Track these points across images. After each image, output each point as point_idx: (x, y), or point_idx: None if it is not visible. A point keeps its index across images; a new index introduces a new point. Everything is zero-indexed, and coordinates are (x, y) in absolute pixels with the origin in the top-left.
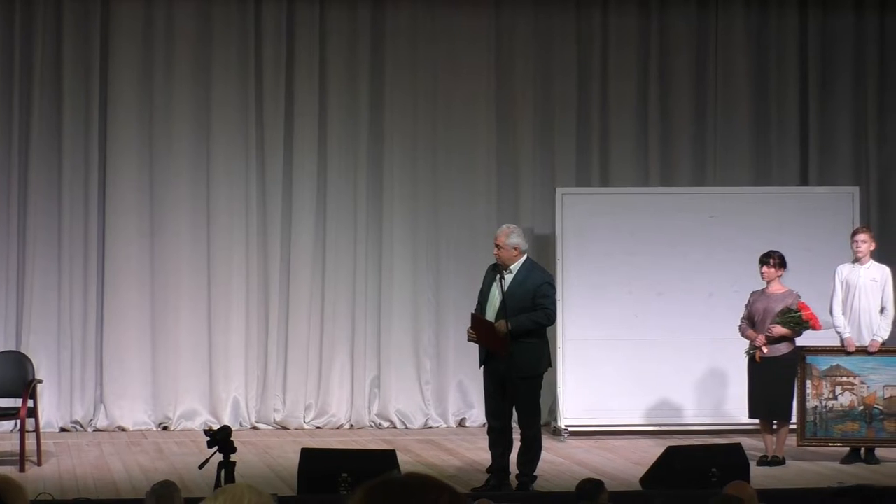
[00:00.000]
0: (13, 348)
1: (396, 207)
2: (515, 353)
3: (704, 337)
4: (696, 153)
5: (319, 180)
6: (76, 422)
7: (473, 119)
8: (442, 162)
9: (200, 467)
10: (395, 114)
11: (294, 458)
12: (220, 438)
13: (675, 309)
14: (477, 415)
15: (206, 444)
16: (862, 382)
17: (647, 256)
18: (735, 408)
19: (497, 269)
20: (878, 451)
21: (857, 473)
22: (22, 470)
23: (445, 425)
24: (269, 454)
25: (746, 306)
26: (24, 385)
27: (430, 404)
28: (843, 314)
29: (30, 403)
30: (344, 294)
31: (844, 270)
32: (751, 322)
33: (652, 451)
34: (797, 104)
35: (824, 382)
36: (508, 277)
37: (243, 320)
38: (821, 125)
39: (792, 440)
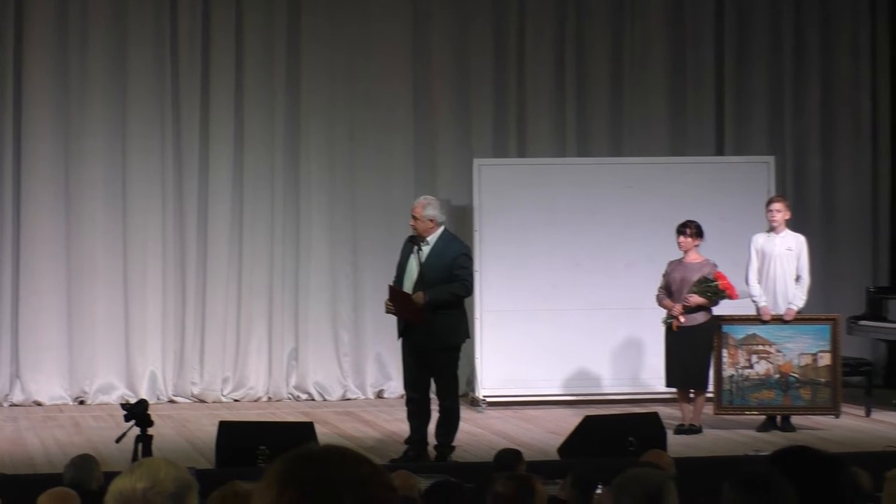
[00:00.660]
0: None
1: (314, 180)
2: (433, 325)
3: (622, 307)
4: (613, 124)
5: (236, 155)
6: None
7: (389, 92)
8: (359, 135)
9: (117, 441)
10: (312, 89)
11: (212, 432)
12: (137, 412)
13: (593, 279)
14: (395, 386)
15: (122, 417)
16: (778, 351)
17: (564, 227)
18: (652, 377)
19: (414, 241)
20: (794, 419)
21: (774, 441)
22: None
23: (364, 397)
24: (187, 427)
25: (663, 276)
26: None
27: (349, 376)
28: (758, 283)
29: None
30: (261, 266)
31: (760, 240)
32: (668, 291)
33: (569, 420)
34: (713, 74)
35: (740, 351)
36: (426, 249)
37: (160, 293)
38: (737, 95)
39: (709, 409)
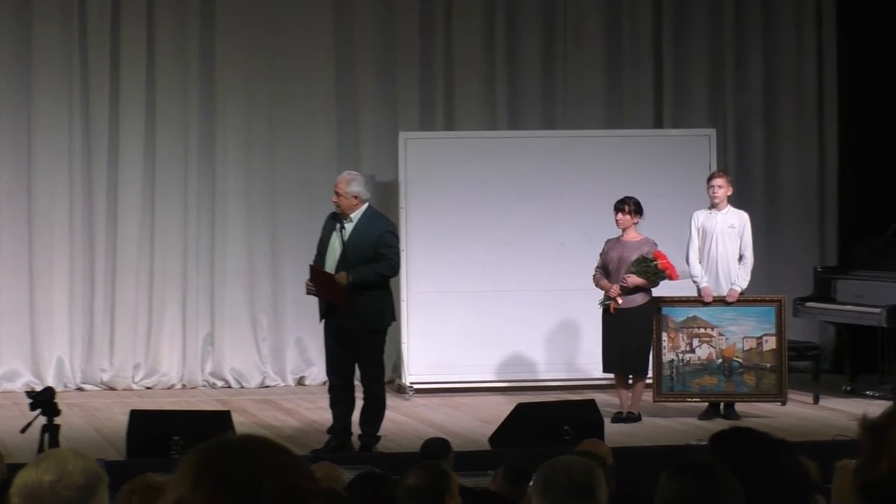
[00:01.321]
0: None
1: (230, 154)
2: (357, 307)
3: (556, 288)
4: (546, 95)
5: (147, 133)
6: None
7: (311, 63)
8: (279, 107)
9: (22, 431)
10: (228, 63)
11: (123, 421)
12: (43, 400)
13: (525, 259)
14: (317, 372)
15: (28, 406)
16: (720, 334)
17: (495, 204)
18: (588, 362)
19: (337, 218)
20: (738, 406)
21: (717, 429)
22: None
23: (283, 384)
24: (96, 416)
25: (600, 255)
26: None
27: (267, 362)
28: (699, 263)
29: None
30: (174, 246)
31: (701, 217)
32: (605, 272)
33: (501, 408)
34: (651, 44)
35: (681, 334)
36: (349, 227)
37: (66, 276)
38: (675, 66)
39: (648, 395)
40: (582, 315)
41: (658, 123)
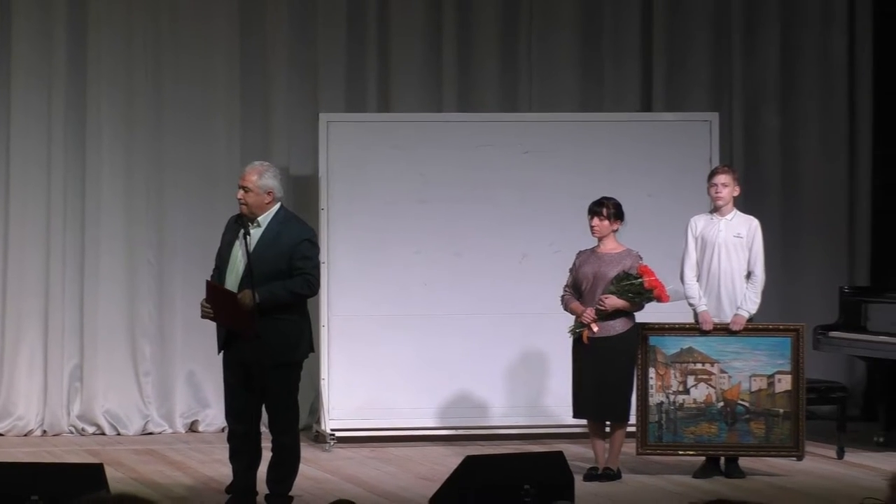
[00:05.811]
0: None
1: (105, 144)
2: (265, 334)
3: (516, 311)
4: (506, 71)
5: (1, 117)
6: None
7: (207, 25)
8: (165, 84)
9: None
10: (103, 20)
11: None
12: None
13: (478, 275)
14: (214, 416)
15: None
16: (722, 371)
17: (440, 205)
18: (556, 405)
19: (241, 223)
20: (743, 461)
21: (716, 490)
22: None
23: (171, 430)
24: None
25: (571, 271)
26: None
27: (151, 403)
28: (697, 281)
29: None
30: (34, 256)
31: (700, 223)
32: (577, 291)
33: (446, 462)
34: (639, 7)
35: (672, 371)
36: (256, 233)
37: None
38: (669, 34)
39: (630, 447)
40: (548, 346)
41: (647, 106)
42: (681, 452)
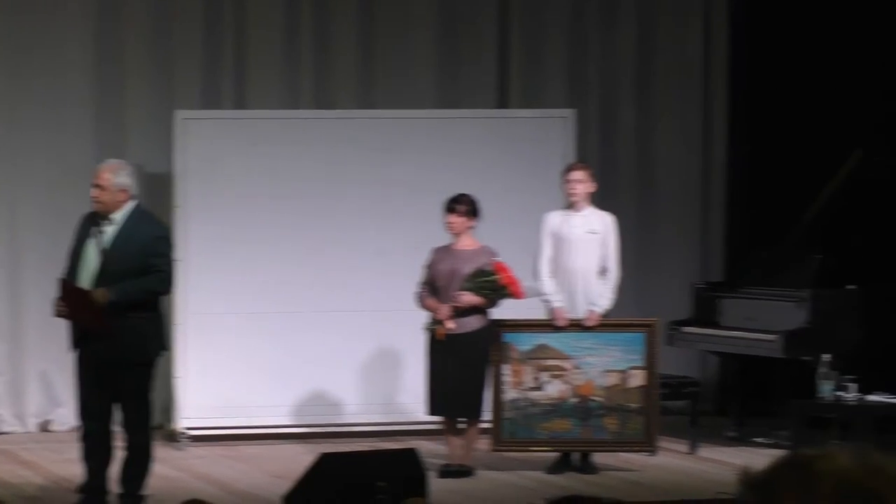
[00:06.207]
0: None
1: None
2: (119, 332)
3: (372, 308)
4: (361, 67)
5: None
6: None
7: (61, 18)
8: (15, 76)
9: None
10: None
11: None
12: None
13: (334, 272)
14: (66, 415)
15: None
16: (576, 367)
17: (295, 202)
18: (411, 401)
19: (94, 220)
20: (597, 457)
21: (570, 486)
22: None
23: (23, 430)
24: None
25: (427, 267)
26: None
27: (3, 402)
28: (552, 277)
29: None
30: None
31: (555, 220)
32: (432, 288)
33: (300, 459)
34: (495, 6)
35: (527, 367)
36: (110, 230)
37: None
38: (525, 30)
39: (485, 443)
40: (403, 343)
41: (503, 103)
42: (535, 448)
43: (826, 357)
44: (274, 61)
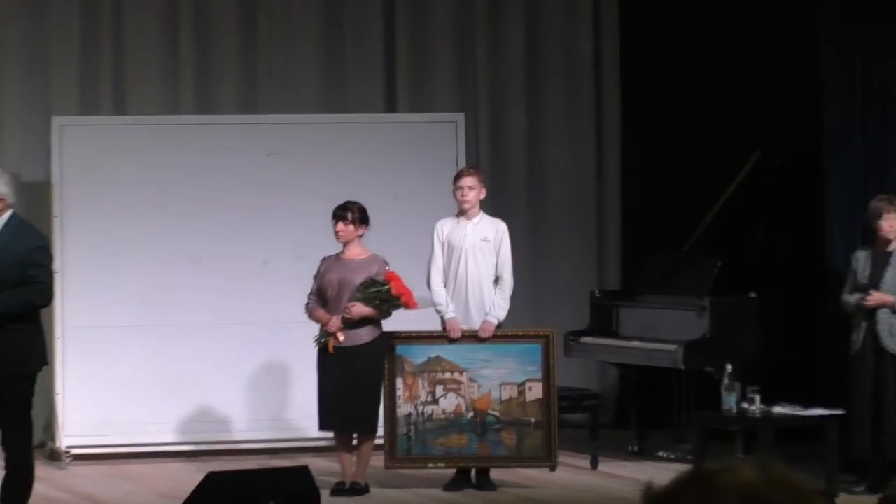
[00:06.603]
0: None
1: None
2: None
3: (259, 321)
4: (245, 70)
5: None
6: None
7: None
8: None
9: None
10: None
11: None
12: None
13: (219, 282)
14: None
15: None
16: (471, 380)
17: (178, 210)
18: (301, 417)
19: None
20: (494, 473)
21: (467, 503)
22: None
23: None
24: None
25: (315, 277)
26: None
27: None
28: (444, 287)
29: None
30: None
31: (446, 227)
32: (322, 299)
33: (188, 478)
34: (381, 9)
35: (421, 381)
36: None
37: None
38: (412, 32)
39: (378, 460)
40: (293, 357)
41: (390, 106)
42: (430, 465)
43: (729, 368)
44: (153, 67)
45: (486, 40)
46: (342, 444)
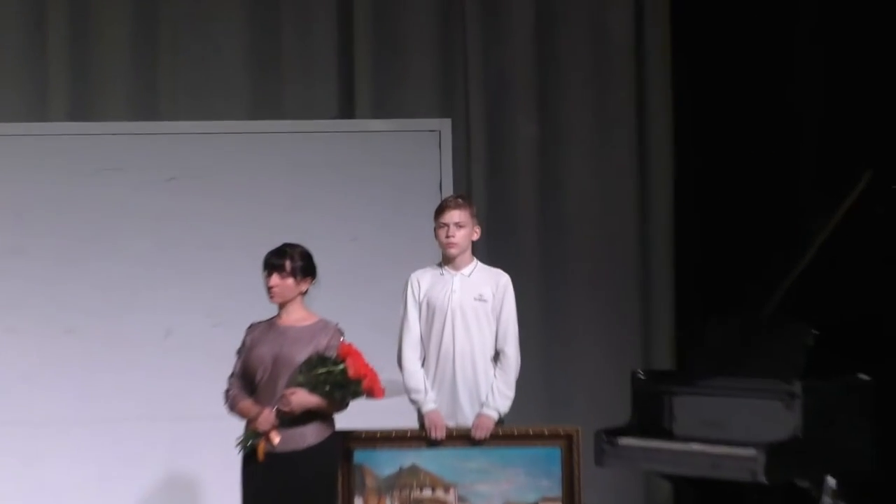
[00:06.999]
0: None
1: None
2: None
3: (155, 415)
4: (140, 70)
5: None
6: None
7: None
8: None
9: None
10: None
11: None
12: None
13: (100, 363)
14: None
15: None
16: (461, 499)
17: (42, 256)
18: None
19: None
20: None
21: None
22: None
23: None
24: None
25: (239, 353)
26: None
27: None
28: (422, 366)
29: None
30: None
31: (424, 282)
32: (249, 384)
33: None
34: None
35: (389, 500)
36: None
37: None
38: (376, 12)
39: None
40: (203, 466)
41: (347, 109)
42: None
43: (831, 482)
44: (20, 67)
45: (482, 22)
46: None
